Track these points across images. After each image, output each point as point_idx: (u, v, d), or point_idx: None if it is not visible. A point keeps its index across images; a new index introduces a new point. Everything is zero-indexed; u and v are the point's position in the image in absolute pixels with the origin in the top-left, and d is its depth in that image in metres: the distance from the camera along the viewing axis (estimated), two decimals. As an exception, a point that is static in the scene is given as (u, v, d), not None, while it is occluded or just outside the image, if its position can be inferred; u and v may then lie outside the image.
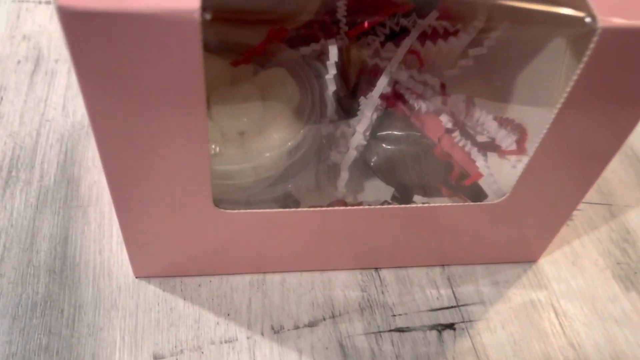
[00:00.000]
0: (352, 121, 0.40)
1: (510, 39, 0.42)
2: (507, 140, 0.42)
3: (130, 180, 0.30)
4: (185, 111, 0.26)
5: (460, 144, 0.42)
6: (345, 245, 0.37)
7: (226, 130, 0.33)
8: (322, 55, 0.41)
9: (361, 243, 0.37)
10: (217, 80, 0.34)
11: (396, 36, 0.45)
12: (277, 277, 0.38)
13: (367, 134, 0.38)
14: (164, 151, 0.28)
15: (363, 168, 0.40)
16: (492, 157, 0.45)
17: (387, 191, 0.40)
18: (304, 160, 0.36)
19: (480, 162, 0.41)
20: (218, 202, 0.33)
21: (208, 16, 0.23)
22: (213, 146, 0.31)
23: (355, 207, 0.33)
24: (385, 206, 0.34)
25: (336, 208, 0.33)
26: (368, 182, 0.40)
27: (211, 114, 0.32)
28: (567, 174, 0.35)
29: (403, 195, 0.39)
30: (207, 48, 0.36)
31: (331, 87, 0.37)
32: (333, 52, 0.37)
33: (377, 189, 0.40)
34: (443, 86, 0.42)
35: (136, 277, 0.37)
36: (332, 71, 0.37)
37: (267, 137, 0.32)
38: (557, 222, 0.38)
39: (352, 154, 0.37)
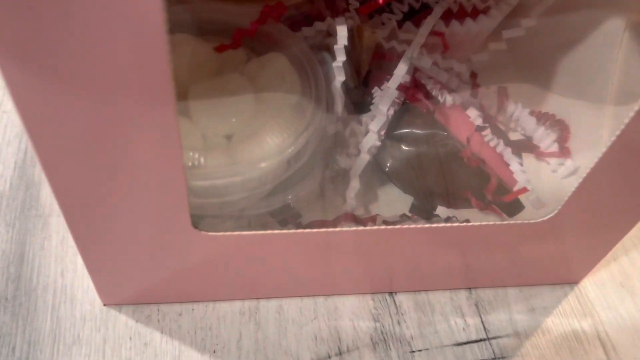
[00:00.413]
0: (365, 118, 0.33)
1: (554, 19, 0.35)
2: (546, 139, 0.36)
3: (83, 197, 0.23)
4: (148, 112, 0.20)
5: (492, 143, 0.36)
6: (354, 266, 0.31)
7: (209, 134, 0.26)
8: (329, 37, 0.34)
9: (373, 263, 0.31)
10: (199, 70, 0.27)
11: (416, 14, 0.39)
12: (272, 304, 0.32)
13: (382, 133, 0.32)
14: (122, 161, 0.22)
15: (377, 172, 0.34)
16: (529, 158, 0.39)
17: (405, 201, 0.33)
18: (307, 167, 0.29)
19: (514, 165, 0.35)
20: (199, 220, 0.27)
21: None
22: (192, 154, 0.25)
23: (366, 229, 0.27)
24: (403, 226, 0.27)
25: (344, 230, 0.27)
26: (382, 189, 0.34)
27: (190, 112, 0.26)
28: (631, 188, 0.28)
29: (424, 207, 0.33)
30: (187, 29, 0.30)
31: (339, 77, 0.30)
32: (342, 33, 0.31)
33: (393, 198, 0.33)
34: (473, 75, 0.35)
35: (104, 305, 0.31)
36: (340, 57, 0.30)
37: (260, 142, 0.26)
38: (608, 243, 0.32)
39: (364, 158, 0.31)
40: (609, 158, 0.27)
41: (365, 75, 0.36)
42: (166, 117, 0.20)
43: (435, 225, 0.28)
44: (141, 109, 0.20)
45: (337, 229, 0.27)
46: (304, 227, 0.31)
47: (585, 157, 0.36)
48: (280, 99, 0.28)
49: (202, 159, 0.24)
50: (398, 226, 0.27)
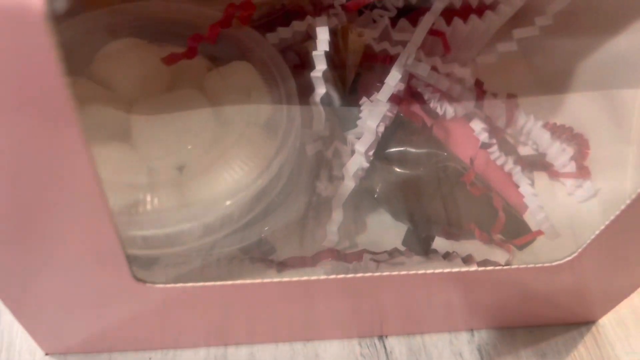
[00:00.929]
0: (351, 135, 0.29)
1: (574, 16, 0.30)
2: (562, 156, 0.31)
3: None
4: (45, 138, 0.16)
5: (499, 161, 0.31)
6: (338, 309, 0.27)
7: (156, 165, 0.21)
8: (309, 40, 0.29)
9: (361, 305, 0.27)
10: (148, 83, 0.23)
11: (413, 10, 0.34)
12: (243, 352, 0.28)
13: (371, 153, 0.27)
14: (31, 206, 0.18)
15: (366, 196, 0.29)
16: (542, 178, 0.34)
17: (398, 229, 0.29)
18: (282, 196, 0.25)
19: (525, 187, 0.30)
20: (154, 262, 0.22)
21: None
22: (131, 195, 0.20)
23: (348, 277, 0.22)
24: (393, 273, 0.23)
25: (320, 279, 0.22)
26: (371, 216, 0.29)
27: (133, 138, 0.21)
28: None
29: (419, 238, 0.28)
30: (138, 32, 0.25)
31: (319, 89, 0.25)
32: (322, 37, 0.26)
33: (385, 226, 0.29)
34: (478, 83, 0.30)
35: (46, 355, 0.27)
36: (320, 66, 0.25)
37: (218, 177, 0.21)
38: (635, 281, 0.27)
39: (349, 185, 0.26)
40: None
41: (353, 80, 0.31)
42: (70, 146, 0.16)
43: (430, 272, 0.23)
44: (36, 132, 0.15)
45: (314, 279, 0.22)
46: (279, 264, 0.26)
47: (607, 179, 0.31)
48: (245, 117, 0.23)
49: (147, 201, 0.20)
50: (386, 273, 0.23)
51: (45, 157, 0.16)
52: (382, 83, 0.29)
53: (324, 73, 0.25)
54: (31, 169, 0.17)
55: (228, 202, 0.21)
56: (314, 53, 0.25)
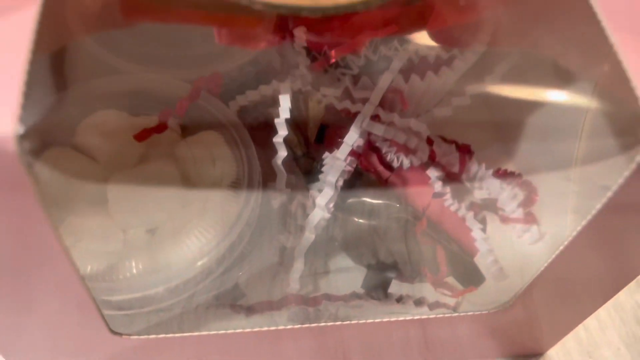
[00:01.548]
0: (313, 190, 0.31)
1: (520, 77, 0.33)
2: (511, 204, 0.34)
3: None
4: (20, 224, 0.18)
5: (452, 208, 0.34)
6: (303, 349, 0.29)
7: (129, 230, 0.24)
8: (274, 105, 0.32)
9: (325, 344, 0.29)
10: (123, 154, 0.25)
11: (373, 67, 0.36)
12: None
13: (331, 205, 0.30)
14: (14, 271, 0.20)
15: (327, 243, 0.32)
16: (495, 220, 0.37)
17: (357, 273, 0.31)
18: (249, 248, 0.27)
19: (476, 232, 0.33)
20: (130, 315, 0.25)
21: (28, 145, 0.15)
22: (103, 266, 0.23)
23: (312, 326, 0.25)
24: (348, 322, 0.25)
25: (282, 329, 0.25)
26: (333, 260, 0.32)
27: (110, 206, 0.24)
28: (604, 268, 0.26)
29: (377, 281, 0.31)
30: (117, 103, 0.28)
31: (281, 152, 0.28)
32: (284, 105, 0.28)
33: (345, 270, 0.32)
34: (430, 141, 0.33)
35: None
36: (282, 131, 0.28)
37: (190, 239, 0.24)
38: (578, 318, 0.30)
39: (310, 237, 0.29)
40: (585, 238, 0.25)
41: (319, 129, 0.34)
42: (34, 222, 0.18)
43: (379, 320, 0.26)
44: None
45: (274, 329, 0.25)
46: (247, 309, 0.29)
47: (551, 223, 0.34)
48: (212, 181, 0.26)
49: (121, 267, 0.23)
50: (339, 323, 0.25)
51: (14, 231, 0.19)
52: (344, 135, 0.32)
53: (286, 138, 0.28)
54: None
55: (199, 263, 0.24)
56: (276, 120, 0.28)
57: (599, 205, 0.22)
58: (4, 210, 0.17)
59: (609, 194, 0.22)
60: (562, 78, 0.31)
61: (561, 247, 0.25)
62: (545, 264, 0.26)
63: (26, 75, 0.15)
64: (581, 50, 0.25)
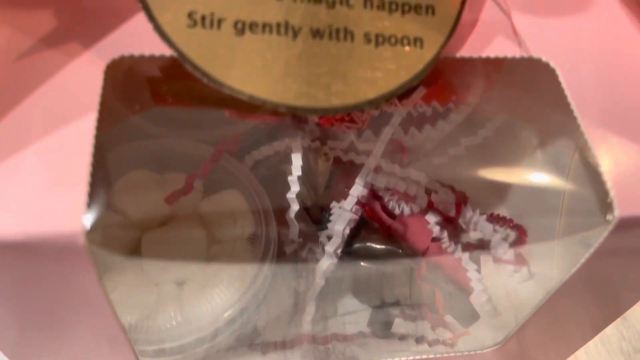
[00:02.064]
0: (321, 235, 0.34)
1: (508, 131, 0.36)
2: (502, 246, 0.37)
3: None
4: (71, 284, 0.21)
5: (449, 250, 0.37)
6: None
7: (161, 283, 0.27)
8: (286, 158, 0.35)
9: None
10: (154, 211, 0.28)
11: (376, 120, 0.40)
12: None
13: (339, 251, 0.33)
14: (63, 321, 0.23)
15: (336, 285, 0.35)
16: (487, 261, 0.39)
17: (364, 313, 0.34)
18: (267, 294, 0.30)
19: (471, 272, 0.36)
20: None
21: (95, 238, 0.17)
22: (139, 321, 0.25)
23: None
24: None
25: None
26: (341, 301, 0.35)
27: (143, 261, 0.27)
28: (593, 307, 0.29)
29: (382, 320, 0.33)
30: (147, 164, 0.30)
31: (294, 206, 0.31)
32: (296, 163, 0.31)
33: (354, 307, 0.34)
34: (429, 192, 0.36)
35: None
36: (294, 188, 0.31)
37: (212, 296, 0.27)
38: (568, 352, 0.33)
39: (319, 283, 0.32)
40: (567, 287, 0.27)
41: (327, 180, 0.37)
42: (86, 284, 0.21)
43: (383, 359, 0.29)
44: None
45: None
46: (263, 347, 0.32)
47: (540, 264, 0.36)
48: (233, 235, 0.29)
49: (153, 318, 0.25)
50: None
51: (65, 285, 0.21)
52: (350, 183, 0.35)
53: (298, 193, 0.31)
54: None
55: (226, 315, 0.27)
56: (290, 178, 0.30)
57: (582, 260, 0.25)
58: (60, 272, 0.20)
59: (590, 250, 0.25)
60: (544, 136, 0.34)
61: (551, 292, 0.28)
62: (537, 307, 0.29)
63: (89, 177, 0.18)
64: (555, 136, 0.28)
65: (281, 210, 0.31)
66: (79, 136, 0.18)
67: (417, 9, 0.21)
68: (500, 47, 0.23)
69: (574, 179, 0.31)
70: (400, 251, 0.33)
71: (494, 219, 0.37)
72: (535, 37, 0.23)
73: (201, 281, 0.27)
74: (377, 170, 0.35)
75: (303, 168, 0.32)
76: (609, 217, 0.19)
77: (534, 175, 0.35)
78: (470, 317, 0.34)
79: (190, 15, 0.19)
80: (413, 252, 0.34)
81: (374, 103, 0.20)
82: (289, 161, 0.33)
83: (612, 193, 0.19)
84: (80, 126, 0.19)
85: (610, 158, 0.20)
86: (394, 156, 0.37)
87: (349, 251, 0.33)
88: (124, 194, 0.28)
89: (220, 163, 0.30)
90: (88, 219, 0.17)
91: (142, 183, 0.29)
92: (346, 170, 0.37)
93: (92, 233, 0.17)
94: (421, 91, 0.36)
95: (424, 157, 0.38)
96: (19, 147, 0.18)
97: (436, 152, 0.38)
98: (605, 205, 0.19)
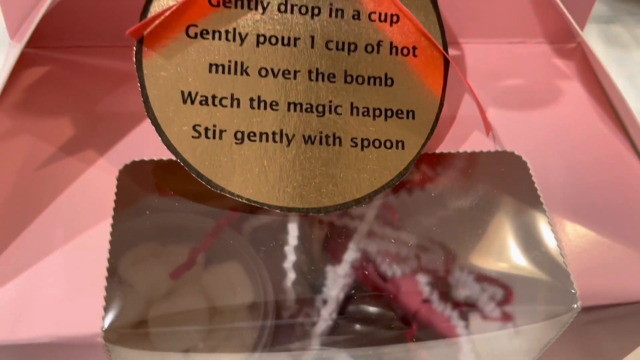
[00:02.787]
0: (317, 300, 0.36)
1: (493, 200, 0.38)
2: (489, 305, 0.39)
3: None
4: None
5: (439, 309, 0.38)
6: None
7: (167, 351, 0.29)
8: (283, 226, 0.37)
9: None
10: (160, 283, 0.30)
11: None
12: None
13: (334, 315, 0.35)
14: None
15: (330, 343, 0.36)
16: (475, 318, 0.41)
17: (357, 370, 0.36)
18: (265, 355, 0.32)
19: (461, 330, 0.38)
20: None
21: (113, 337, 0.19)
22: None
23: None
24: None
25: None
26: (336, 358, 0.36)
27: (150, 334, 0.29)
28: None
29: (375, 378, 0.35)
30: (152, 236, 0.32)
31: (290, 275, 0.33)
32: (292, 234, 0.33)
33: (347, 366, 0.36)
34: (419, 252, 0.38)
35: None
36: (290, 257, 0.33)
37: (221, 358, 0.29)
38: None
39: (315, 345, 0.34)
40: (554, 347, 0.29)
41: (322, 245, 0.39)
42: None
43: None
44: None
45: None
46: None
47: (526, 320, 0.38)
48: (234, 308, 0.31)
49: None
50: None
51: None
52: (345, 249, 0.37)
53: (294, 264, 0.33)
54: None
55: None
56: (286, 248, 0.33)
57: (554, 335, 0.27)
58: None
59: (563, 328, 0.26)
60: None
61: (537, 350, 0.29)
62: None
63: (107, 283, 0.20)
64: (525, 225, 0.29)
65: (278, 278, 0.33)
66: (95, 243, 0.20)
67: (398, 113, 0.23)
68: (476, 142, 0.25)
69: (540, 266, 0.33)
70: (393, 313, 0.35)
71: (481, 278, 0.39)
72: (508, 130, 0.25)
73: (205, 350, 0.29)
74: (370, 234, 0.37)
75: (299, 237, 0.34)
76: (574, 305, 0.21)
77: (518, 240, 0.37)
78: (460, 374, 0.36)
79: (195, 127, 0.22)
80: (405, 313, 0.36)
81: (360, 201, 0.23)
82: (285, 230, 0.35)
83: (575, 285, 0.21)
84: (96, 233, 0.21)
85: (574, 249, 0.22)
86: (386, 218, 0.39)
87: (344, 314, 0.35)
88: (132, 268, 0.30)
89: (221, 237, 0.32)
90: (105, 321, 0.19)
91: (148, 257, 0.31)
92: (340, 235, 0.39)
93: (108, 333, 0.20)
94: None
95: (415, 218, 0.40)
96: (42, 256, 0.20)
97: (426, 213, 0.41)
98: (571, 294, 0.21)
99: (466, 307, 0.39)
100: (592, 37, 0.68)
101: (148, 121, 0.23)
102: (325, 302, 0.34)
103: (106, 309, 0.19)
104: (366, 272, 0.36)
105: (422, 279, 0.37)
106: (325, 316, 0.34)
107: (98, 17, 0.25)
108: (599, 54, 0.67)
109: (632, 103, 0.63)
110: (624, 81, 0.64)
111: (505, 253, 0.34)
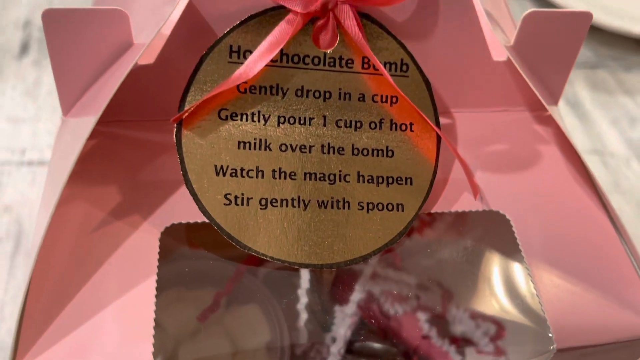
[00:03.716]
0: (327, 338, 0.40)
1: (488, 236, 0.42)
2: (483, 340, 0.42)
3: None
4: None
5: (437, 344, 0.42)
6: None
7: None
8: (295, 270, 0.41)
9: None
10: (186, 326, 0.34)
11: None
12: None
13: (342, 351, 0.38)
14: None
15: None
16: (471, 353, 0.45)
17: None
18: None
19: (457, 363, 0.41)
20: None
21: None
22: None
23: None
24: None
25: None
26: (345, 392, 0.40)
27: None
28: None
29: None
30: (178, 282, 0.36)
31: (303, 316, 0.37)
32: (304, 277, 0.37)
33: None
34: (418, 292, 0.42)
35: None
36: (303, 299, 0.37)
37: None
38: None
39: (326, 380, 0.37)
40: None
41: (330, 286, 0.43)
42: None
43: None
44: None
45: None
46: None
47: (517, 353, 0.42)
48: (253, 347, 0.34)
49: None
50: None
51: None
52: (351, 289, 0.40)
53: (306, 305, 0.36)
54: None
55: None
56: (298, 291, 0.36)
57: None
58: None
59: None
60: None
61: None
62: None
63: (154, 330, 0.24)
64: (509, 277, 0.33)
65: (292, 318, 0.36)
66: (143, 298, 0.24)
67: (398, 180, 0.27)
68: (465, 202, 0.29)
69: (523, 311, 0.37)
70: (395, 348, 0.39)
71: (476, 315, 0.43)
72: (494, 191, 0.29)
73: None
74: (374, 276, 0.41)
75: (310, 280, 0.38)
76: (551, 347, 0.25)
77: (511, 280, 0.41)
78: (458, 405, 0.39)
79: (226, 196, 0.26)
80: (406, 348, 0.39)
81: (366, 257, 0.26)
82: (297, 274, 0.39)
83: (552, 329, 0.25)
84: (144, 289, 0.24)
85: (551, 297, 0.26)
86: (388, 260, 0.43)
87: (351, 350, 0.39)
88: (164, 312, 0.34)
89: (242, 280, 0.35)
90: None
91: (174, 299, 0.34)
92: (346, 276, 0.43)
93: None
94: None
95: (414, 260, 0.44)
96: (98, 309, 0.24)
97: (425, 255, 0.44)
98: (548, 337, 0.25)
99: (462, 342, 0.43)
100: (578, 82, 0.72)
101: (184, 188, 0.27)
102: (334, 339, 0.38)
103: (155, 355, 0.23)
104: (371, 312, 0.40)
105: (422, 317, 0.41)
106: (335, 352, 0.37)
107: (137, 94, 0.29)
108: (584, 99, 0.71)
109: (616, 145, 0.67)
110: (608, 125, 0.68)
111: (493, 299, 0.38)
